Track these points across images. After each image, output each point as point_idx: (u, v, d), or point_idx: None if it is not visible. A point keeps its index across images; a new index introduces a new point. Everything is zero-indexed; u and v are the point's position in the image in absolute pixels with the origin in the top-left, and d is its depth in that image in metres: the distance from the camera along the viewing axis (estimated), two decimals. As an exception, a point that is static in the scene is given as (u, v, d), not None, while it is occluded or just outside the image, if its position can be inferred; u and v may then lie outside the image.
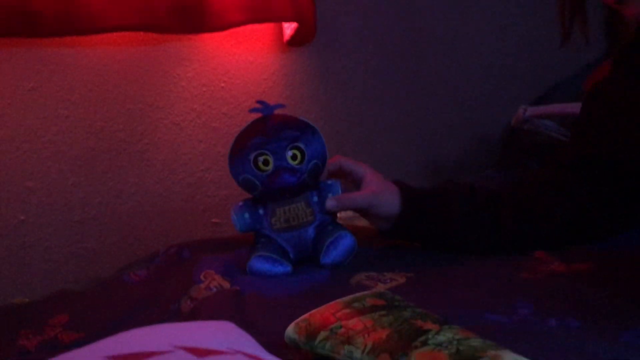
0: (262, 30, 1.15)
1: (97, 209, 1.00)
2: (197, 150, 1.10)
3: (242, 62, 1.13)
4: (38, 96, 0.95)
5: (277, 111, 0.79)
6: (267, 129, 0.76)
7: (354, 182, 0.79)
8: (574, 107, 1.09)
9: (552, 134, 1.12)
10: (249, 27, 1.10)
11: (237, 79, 1.13)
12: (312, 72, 1.23)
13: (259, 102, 0.79)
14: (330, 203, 0.76)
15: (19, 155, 0.94)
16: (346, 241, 0.75)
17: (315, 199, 0.77)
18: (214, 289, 0.68)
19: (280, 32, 1.17)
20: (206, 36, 1.08)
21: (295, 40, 1.15)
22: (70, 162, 0.97)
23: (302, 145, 0.75)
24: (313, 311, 0.52)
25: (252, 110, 0.78)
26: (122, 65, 1.02)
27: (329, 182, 0.78)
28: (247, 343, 0.33)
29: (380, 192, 0.76)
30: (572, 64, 1.37)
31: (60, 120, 0.97)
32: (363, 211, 0.78)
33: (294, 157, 0.75)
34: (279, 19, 1.11)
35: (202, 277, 0.71)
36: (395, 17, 1.34)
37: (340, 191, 0.78)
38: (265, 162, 0.74)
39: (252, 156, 0.75)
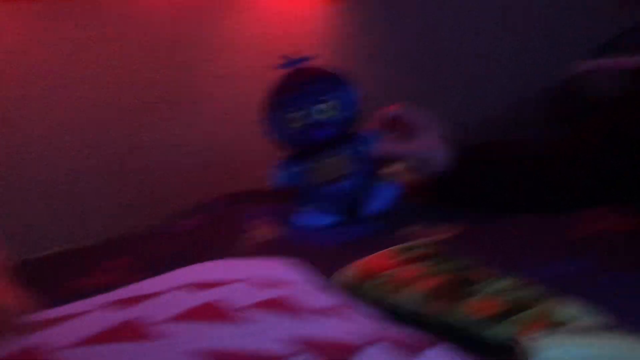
0: (309, -17, 1.13)
1: (148, 159, 1.02)
2: (243, 104, 1.11)
3: (290, 15, 1.12)
4: (93, 48, 0.96)
5: (306, 63, 0.77)
6: (294, 85, 0.75)
7: (408, 133, 0.78)
8: None
9: (610, 88, 1.07)
10: (297, -21, 1.09)
11: (285, 31, 1.12)
12: (360, 24, 1.21)
13: (284, 56, 0.77)
14: (376, 149, 0.75)
15: (74, 104, 0.97)
16: (386, 191, 0.74)
17: (352, 150, 0.76)
18: (265, 238, 0.69)
19: (329, -17, 1.15)
20: (253, -12, 1.07)
21: (343, -8, 1.13)
22: (122, 112, 0.99)
23: (330, 98, 0.74)
24: (366, 258, 0.53)
25: (280, 66, 0.77)
26: (172, 16, 1.02)
27: (365, 133, 0.77)
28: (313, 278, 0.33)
29: (430, 146, 0.75)
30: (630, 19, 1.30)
31: (113, 71, 0.98)
32: (409, 163, 0.77)
33: (322, 112, 0.74)
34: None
35: (251, 225, 0.73)
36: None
37: (376, 143, 0.76)
38: (294, 120, 0.74)
39: (281, 114, 0.75)
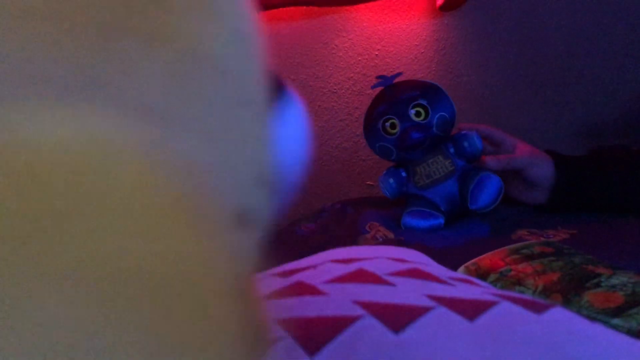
0: (415, -3, 1.17)
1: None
2: (352, 117, 1.17)
3: (394, 30, 1.17)
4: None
5: (398, 79, 0.82)
6: (389, 96, 0.79)
7: (503, 152, 0.79)
8: None
9: None
10: (402, -6, 1.13)
11: (390, 46, 1.17)
12: (465, 35, 1.23)
13: (378, 77, 0.82)
14: (491, 162, 0.76)
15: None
16: (491, 181, 0.74)
17: (452, 149, 0.78)
18: (380, 239, 0.74)
19: (433, -3, 1.18)
20: (361, 7, 1.12)
21: (448, 5, 1.16)
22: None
23: (423, 102, 0.76)
24: (481, 256, 0.56)
25: (374, 85, 0.83)
26: (287, 39, 1.10)
27: (464, 132, 0.79)
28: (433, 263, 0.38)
29: (536, 155, 0.77)
30: None
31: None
32: (518, 176, 0.78)
33: (417, 114, 0.76)
34: (432, -16, 1.12)
35: (367, 227, 0.78)
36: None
37: (477, 139, 0.77)
38: (392, 126, 0.78)
39: (379, 124, 0.79)
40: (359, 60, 1.16)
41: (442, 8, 1.17)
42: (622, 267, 0.48)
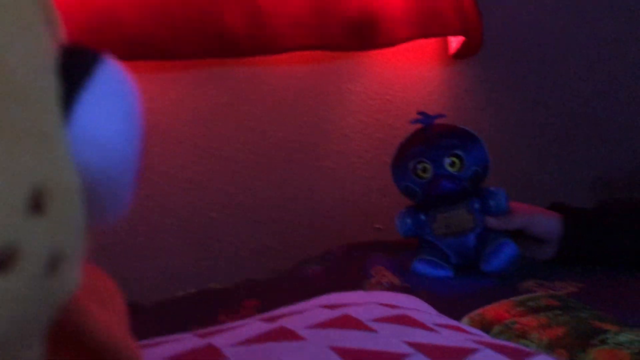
0: (428, 44, 1.19)
1: (275, 211, 1.11)
2: (363, 160, 1.17)
3: (407, 76, 1.18)
4: (230, 110, 1.08)
5: (438, 121, 0.81)
6: (426, 138, 0.78)
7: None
8: None
9: None
10: (415, 41, 1.15)
11: (403, 91, 1.18)
12: (477, 83, 1.24)
13: (419, 113, 0.81)
14: (491, 221, 0.76)
15: (214, 160, 1.09)
16: (508, 249, 0.74)
17: (477, 205, 0.77)
18: (386, 284, 0.73)
19: (446, 45, 1.20)
20: (375, 52, 1.14)
21: (461, 53, 1.17)
22: (254, 168, 1.10)
23: (460, 153, 0.76)
24: (486, 307, 0.55)
25: (414, 121, 0.82)
26: (299, 82, 1.12)
27: (492, 189, 0.78)
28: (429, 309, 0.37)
29: (536, 213, 0.77)
30: None
31: (247, 131, 1.10)
32: (521, 234, 0.77)
33: (452, 165, 0.75)
34: (446, 33, 1.14)
35: (372, 272, 0.77)
36: (563, 25, 1.30)
37: (504, 199, 0.77)
38: (424, 170, 0.76)
39: (411, 164, 0.78)
40: (371, 104, 1.17)
41: (456, 56, 1.18)
42: (630, 323, 0.46)
